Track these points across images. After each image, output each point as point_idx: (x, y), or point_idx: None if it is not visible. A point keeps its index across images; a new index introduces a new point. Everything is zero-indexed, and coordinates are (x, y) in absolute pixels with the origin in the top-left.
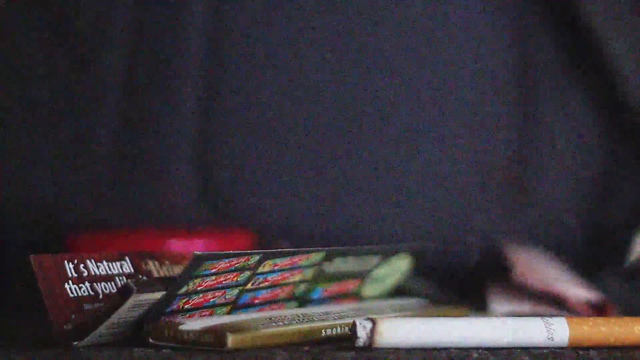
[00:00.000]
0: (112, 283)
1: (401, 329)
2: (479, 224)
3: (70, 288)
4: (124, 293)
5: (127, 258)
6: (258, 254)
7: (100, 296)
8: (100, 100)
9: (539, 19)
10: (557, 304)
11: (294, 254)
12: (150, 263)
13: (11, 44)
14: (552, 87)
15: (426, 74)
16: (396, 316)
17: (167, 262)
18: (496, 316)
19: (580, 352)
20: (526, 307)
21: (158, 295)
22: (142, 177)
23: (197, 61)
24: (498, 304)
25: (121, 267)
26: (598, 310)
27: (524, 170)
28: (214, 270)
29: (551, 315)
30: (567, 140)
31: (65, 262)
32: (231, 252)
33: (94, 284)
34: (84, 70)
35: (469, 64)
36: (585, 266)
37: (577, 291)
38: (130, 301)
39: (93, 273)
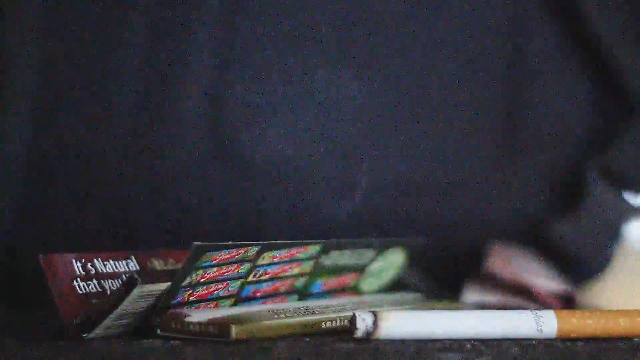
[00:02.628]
0: (119, 280)
1: (398, 321)
2: (470, 175)
3: (78, 285)
4: (128, 284)
5: (132, 257)
6: (257, 245)
7: (108, 292)
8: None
9: None
10: (526, 295)
11: (291, 246)
12: (155, 262)
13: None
14: (544, 42)
15: (419, 28)
16: (394, 309)
17: (171, 260)
18: (470, 306)
19: (568, 343)
20: (496, 298)
21: (162, 286)
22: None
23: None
24: (470, 294)
25: (127, 266)
26: (566, 302)
27: (514, 122)
28: (215, 261)
29: (539, 308)
30: (558, 94)
31: (73, 260)
32: (230, 243)
33: (102, 280)
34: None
35: (464, 19)
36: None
37: (545, 283)
38: (136, 292)
39: (100, 271)
